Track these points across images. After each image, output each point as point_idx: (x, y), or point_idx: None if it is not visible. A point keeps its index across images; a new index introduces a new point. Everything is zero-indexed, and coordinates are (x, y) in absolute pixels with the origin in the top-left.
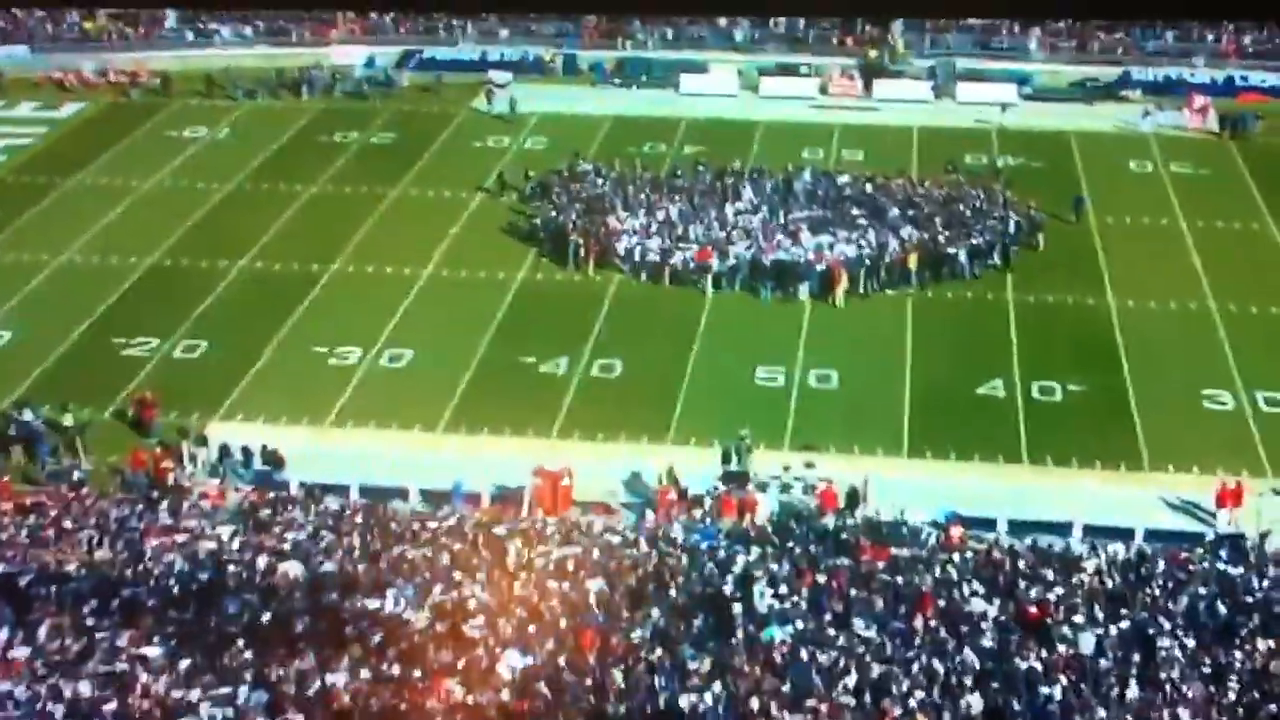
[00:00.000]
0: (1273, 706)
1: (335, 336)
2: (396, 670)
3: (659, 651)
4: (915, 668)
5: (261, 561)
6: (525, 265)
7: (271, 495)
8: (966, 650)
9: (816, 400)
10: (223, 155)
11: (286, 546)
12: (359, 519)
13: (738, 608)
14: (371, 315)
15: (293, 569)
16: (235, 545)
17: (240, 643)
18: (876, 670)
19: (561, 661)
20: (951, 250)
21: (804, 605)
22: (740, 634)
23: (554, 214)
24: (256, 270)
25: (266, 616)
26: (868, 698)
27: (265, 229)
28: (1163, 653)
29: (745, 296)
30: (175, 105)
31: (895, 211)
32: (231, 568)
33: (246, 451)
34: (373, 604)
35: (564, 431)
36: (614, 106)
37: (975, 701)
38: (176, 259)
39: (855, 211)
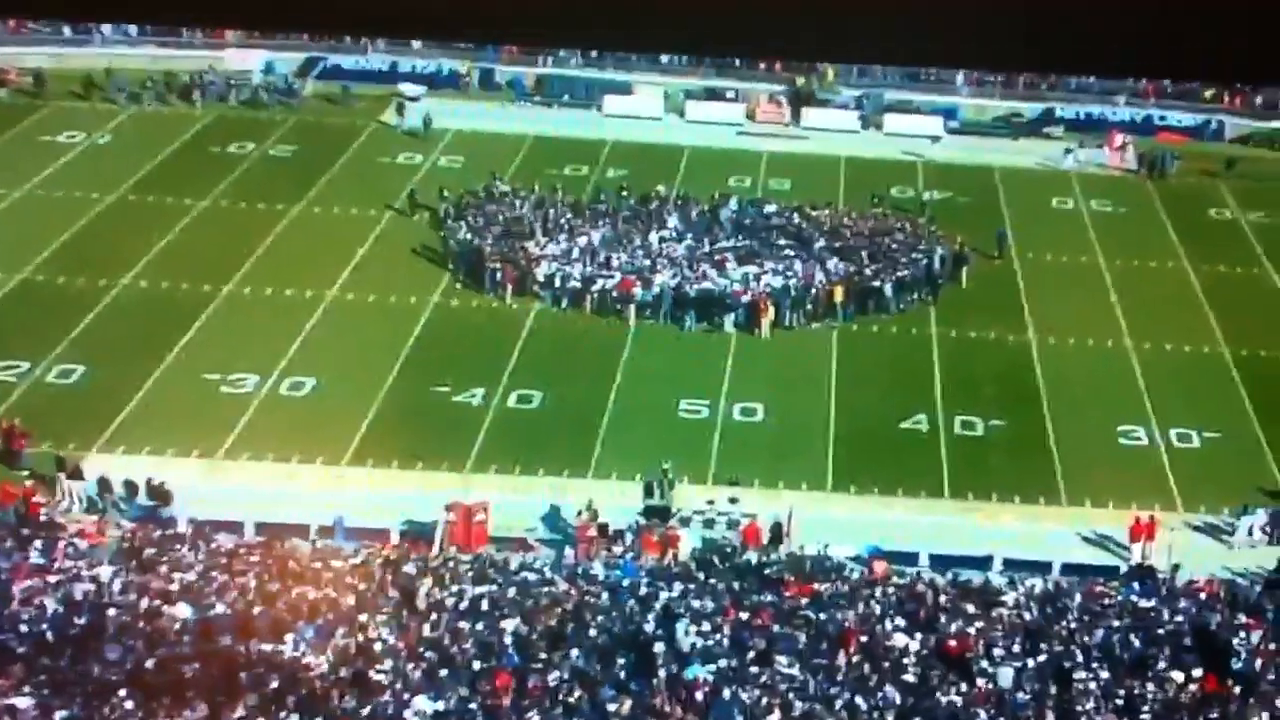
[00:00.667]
0: None
1: (229, 362)
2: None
3: (578, 693)
4: (838, 704)
5: (146, 604)
6: (438, 290)
7: (157, 533)
8: (888, 686)
9: (741, 434)
10: (103, 163)
11: (174, 588)
12: (254, 558)
13: (659, 646)
14: (269, 340)
15: (181, 612)
16: (116, 587)
17: (122, 693)
18: (799, 708)
19: (474, 706)
20: (877, 283)
21: (727, 643)
22: (662, 673)
23: (470, 237)
24: (141, 290)
25: (151, 663)
26: None
27: (150, 245)
28: (1078, 685)
29: (669, 327)
30: (50, 108)
31: (822, 243)
32: (112, 611)
33: (129, 485)
34: (270, 648)
35: (479, 464)
36: (534, 126)
37: None
38: (50, 275)
39: (782, 242)
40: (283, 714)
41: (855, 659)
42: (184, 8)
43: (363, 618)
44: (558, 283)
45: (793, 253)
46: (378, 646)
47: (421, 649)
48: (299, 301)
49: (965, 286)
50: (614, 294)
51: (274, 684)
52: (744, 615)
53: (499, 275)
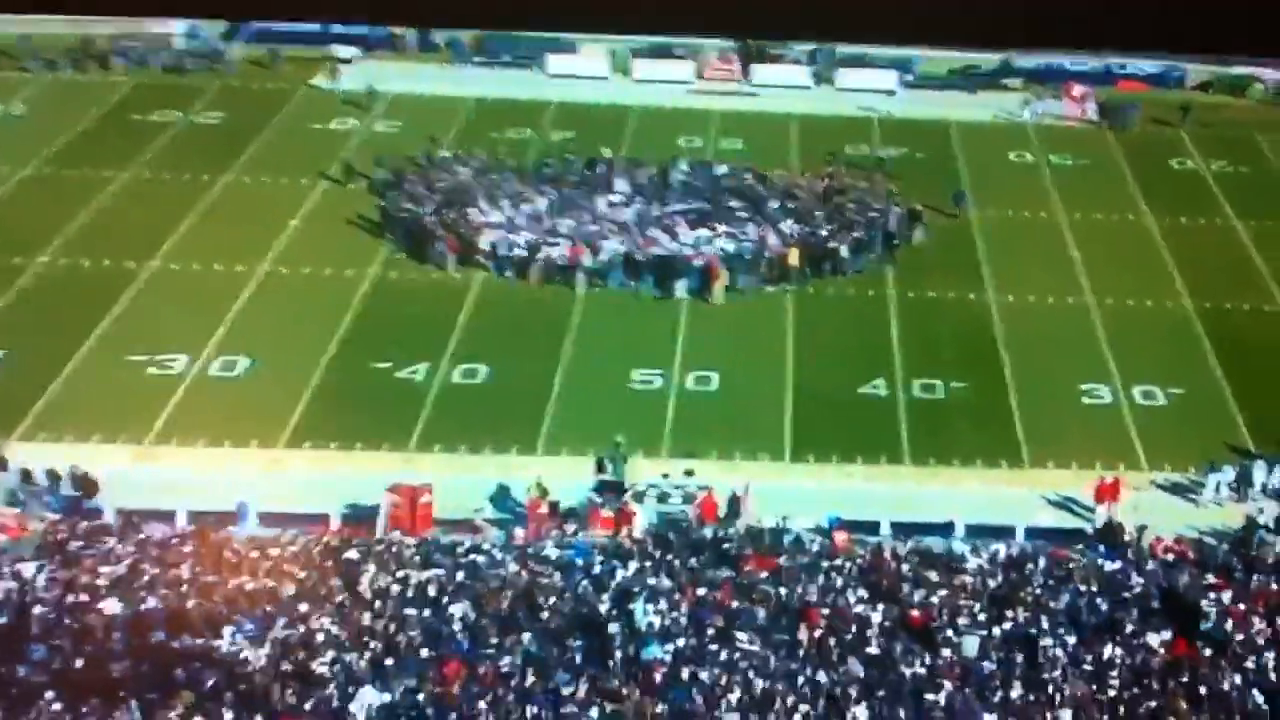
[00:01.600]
0: (1152, 703)
1: (156, 343)
2: (234, 716)
3: (531, 679)
4: (800, 681)
5: (72, 600)
6: (377, 262)
7: (83, 525)
8: (851, 660)
9: (695, 404)
10: (17, 135)
11: (102, 582)
12: (187, 548)
13: (615, 627)
14: (198, 318)
15: (110, 607)
16: (40, 583)
17: (49, 695)
18: (760, 686)
19: (423, 697)
20: (833, 245)
21: (685, 621)
22: (618, 655)
23: (409, 206)
24: (60, 268)
25: (80, 663)
26: (753, 716)
27: (69, 220)
28: (1045, 653)
29: (619, 295)
30: None
31: (776, 204)
32: (37, 609)
33: (52, 475)
34: (206, 643)
35: (423, 444)
36: (474, 87)
37: (861, 713)
38: None
39: (734, 204)
40: (221, 711)
41: (817, 633)
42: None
43: (303, 608)
44: (503, 251)
45: (746, 215)
46: (320, 638)
47: (366, 639)
48: (229, 277)
49: (922, 246)
50: (561, 262)
51: (211, 681)
52: (702, 592)
53: (441, 245)
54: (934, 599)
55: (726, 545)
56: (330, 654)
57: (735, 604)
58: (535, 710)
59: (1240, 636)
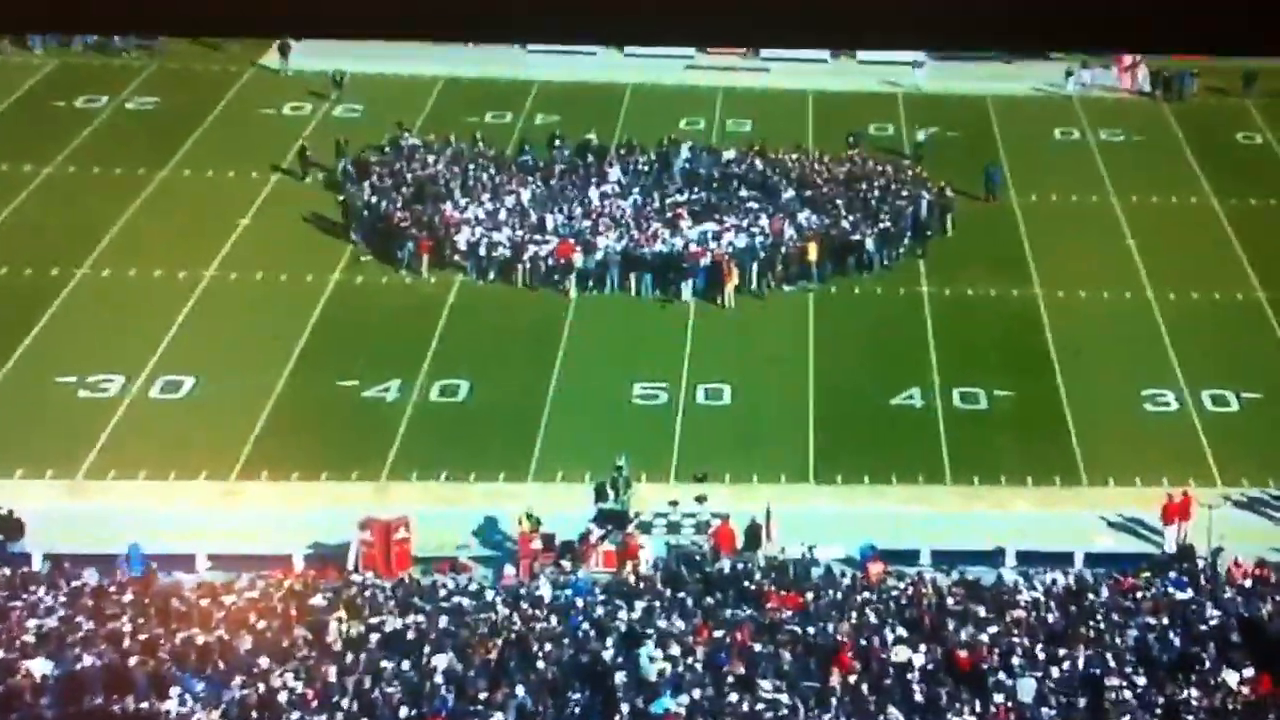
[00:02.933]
0: None
1: (87, 361)
2: None
3: None
4: None
5: None
6: (339, 266)
7: (6, 572)
8: (891, 708)
9: (706, 420)
10: None
11: (30, 638)
12: (128, 597)
13: (621, 676)
14: (136, 333)
15: (39, 667)
16: None
17: None
18: None
19: None
20: (857, 237)
21: (700, 668)
22: (625, 709)
23: (375, 201)
24: None
25: None
26: None
27: None
28: (1112, 695)
29: (617, 298)
30: None
31: (791, 193)
32: None
33: None
34: (151, 707)
35: (397, 471)
36: (446, 65)
37: None
38: None
39: (745, 194)
40: None
41: (851, 678)
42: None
43: (263, 663)
44: (483, 251)
45: (757, 206)
46: (283, 697)
47: (336, 697)
48: (170, 285)
49: (955, 236)
50: (550, 262)
51: None
52: (719, 634)
53: (412, 245)
54: (983, 637)
55: (746, 580)
56: (295, 716)
57: (757, 647)
58: None
59: None
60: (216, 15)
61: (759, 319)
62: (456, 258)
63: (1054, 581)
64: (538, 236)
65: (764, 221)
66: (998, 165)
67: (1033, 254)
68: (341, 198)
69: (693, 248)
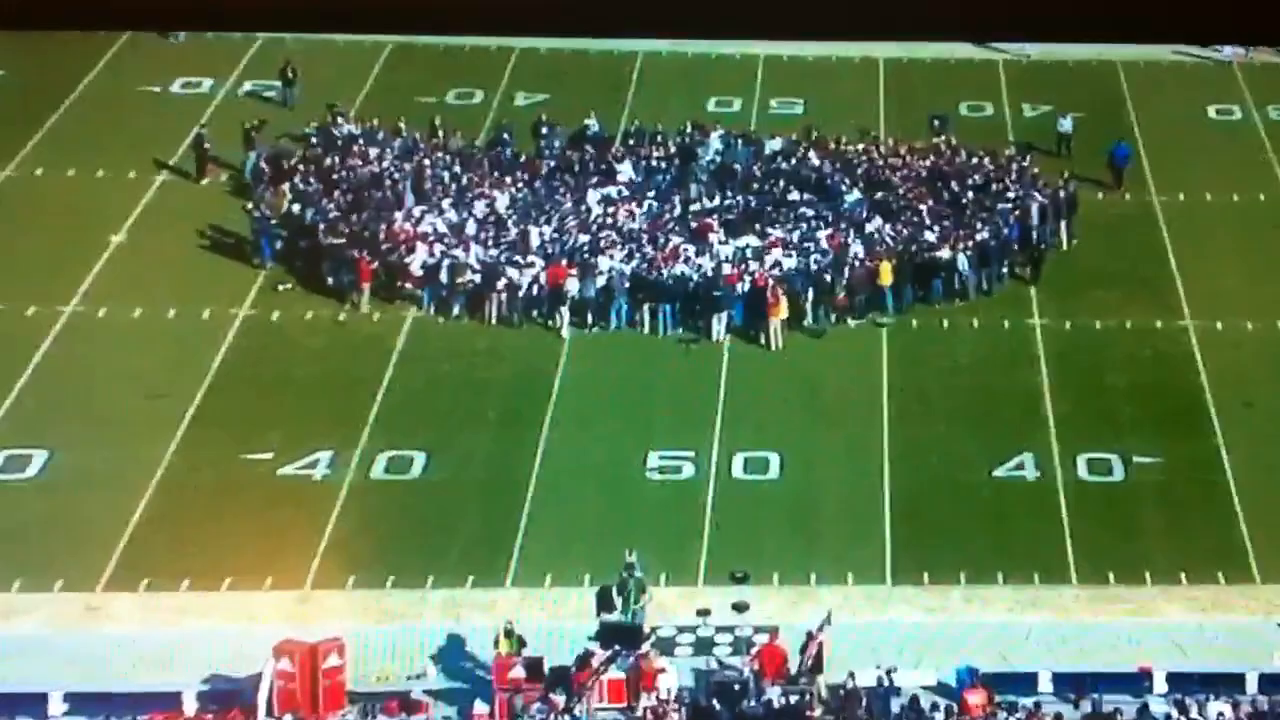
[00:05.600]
0: None
1: None
2: None
3: None
4: None
5: None
6: (248, 297)
7: None
8: None
9: (747, 500)
10: None
11: None
12: None
13: None
14: None
15: None
16: None
17: None
18: None
19: None
20: (945, 253)
21: None
22: None
23: (297, 209)
24: None
25: None
26: None
27: None
28: None
29: (626, 337)
30: None
31: (856, 196)
32: None
33: None
34: None
35: (328, 576)
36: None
37: None
38: None
39: (795, 197)
40: None
41: None
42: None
43: None
44: (444, 277)
45: (812, 213)
46: None
47: None
48: (15, 324)
49: (1075, 248)
50: (536, 290)
51: None
52: None
53: (347, 269)
54: None
55: (801, 716)
56: None
57: None
58: None
59: None
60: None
61: (816, 363)
62: (408, 286)
63: (1220, 716)
64: (519, 257)
65: (822, 234)
66: (1129, 142)
67: (1181, 273)
68: (251, 205)
69: (727, 269)
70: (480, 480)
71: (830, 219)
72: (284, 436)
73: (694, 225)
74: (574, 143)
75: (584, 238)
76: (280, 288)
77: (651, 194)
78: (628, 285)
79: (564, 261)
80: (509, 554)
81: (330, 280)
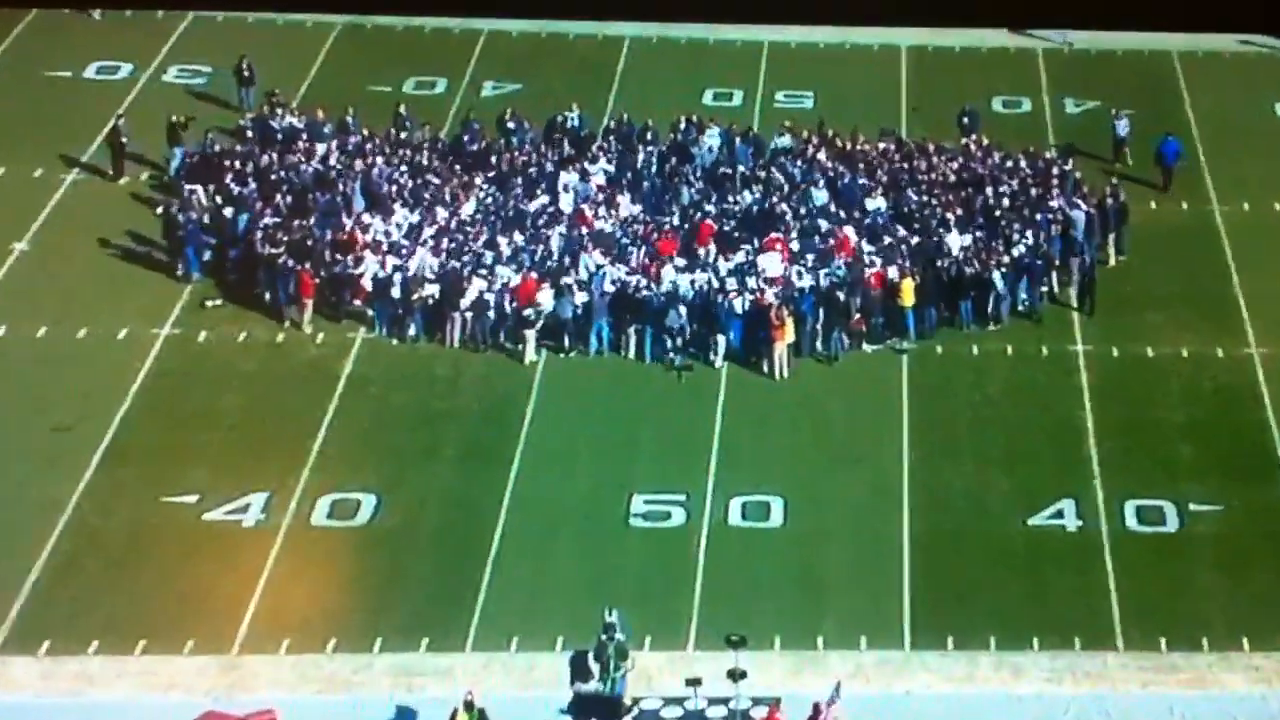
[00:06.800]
0: None
1: None
2: None
3: None
4: None
5: None
6: (172, 315)
7: None
8: None
9: (745, 551)
10: None
11: None
12: None
13: None
14: None
15: None
16: None
17: None
18: None
19: None
20: (977, 269)
21: None
22: None
23: (229, 213)
24: None
25: None
26: None
27: None
28: None
29: (606, 364)
30: None
31: (877, 203)
32: None
33: None
34: None
35: (259, 638)
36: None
37: None
38: None
39: (804, 205)
40: None
41: None
42: None
43: None
44: (397, 292)
45: (826, 222)
46: None
47: None
48: None
49: (1123, 263)
50: (505, 308)
51: None
52: None
53: (287, 283)
54: None
55: None
56: None
57: None
58: None
59: None
60: None
61: (826, 395)
62: (357, 302)
63: None
64: (484, 269)
65: (834, 245)
66: (1176, 137)
67: (1245, 293)
68: (174, 208)
69: (726, 285)
70: (437, 527)
71: (844, 229)
72: (211, 476)
73: (687, 234)
74: (549, 136)
75: (558, 244)
76: (209, 304)
77: (638, 198)
78: (609, 303)
79: (535, 275)
80: (470, 613)
81: (267, 295)
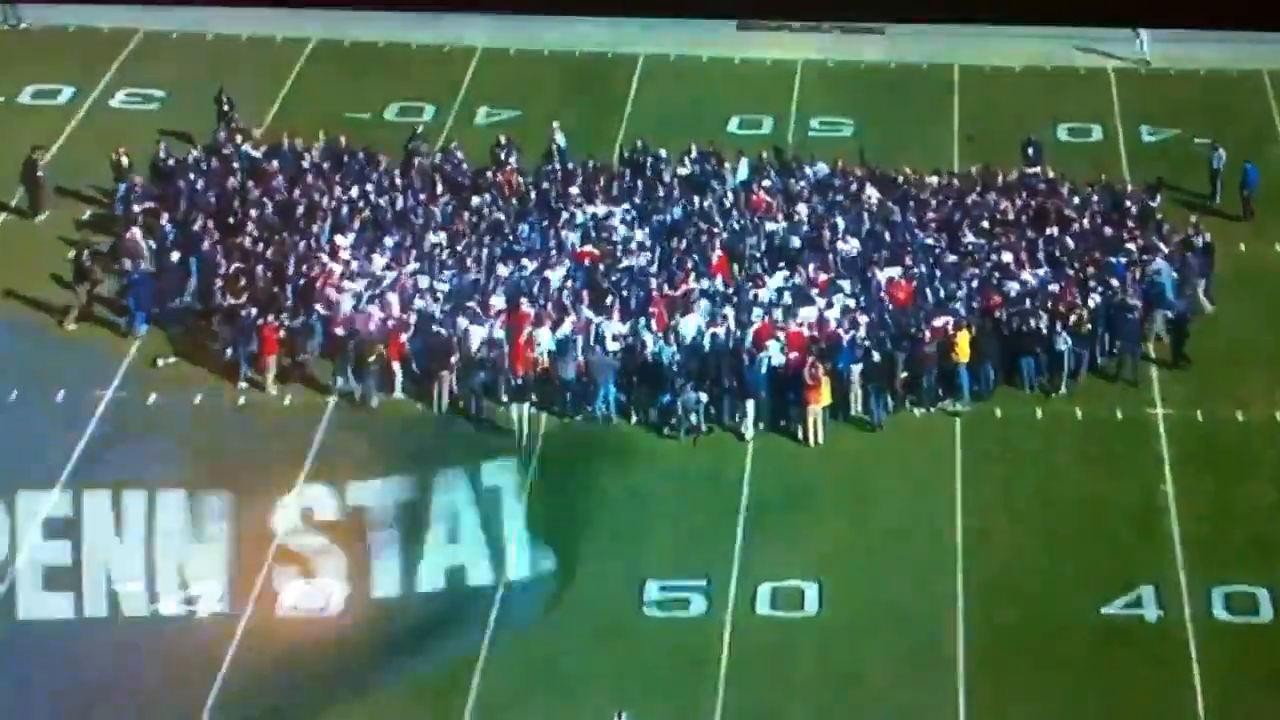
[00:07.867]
0: None
1: None
2: None
3: None
4: None
5: None
6: (117, 376)
7: None
8: None
9: (774, 645)
10: None
11: None
12: None
13: None
14: None
15: None
16: None
17: None
18: None
19: None
20: (1042, 322)
21: None
22: None
23: (176, 256)
24: None
25: None
26: None
27: None
28: None
29: (615, 429)
30: None
31: (928, 241)
32: None
33: None
34: None
35: None
36: (322, 21)
37: None
38: None
39: (843, 244)
40: None
41: None
42: None
43: None
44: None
45: (865, 265)
46: None
47: None
48: None
49: (1212, 313)
50: (495, 358)
51: None
52: None
53: (249, 336)
54: None
55: None
56: None
57: None
58: None
59: None
60: None
61: (868, 464)
62: (329, 358)
63: None
64: (476, 315)
65: (879, 292)
66: (1255, 164)
67: None
68: (120, 252)
69: (755, 335)
70: (423, 616)
71: (890, 271)
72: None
73: (707, 278)
74: (547, 169)
75: (559, 285)
76: (160, 362)
77: (650, 235)
78: (617, 358)
79: (533, 317)
80: (459, 715)
81: (226, 352)
